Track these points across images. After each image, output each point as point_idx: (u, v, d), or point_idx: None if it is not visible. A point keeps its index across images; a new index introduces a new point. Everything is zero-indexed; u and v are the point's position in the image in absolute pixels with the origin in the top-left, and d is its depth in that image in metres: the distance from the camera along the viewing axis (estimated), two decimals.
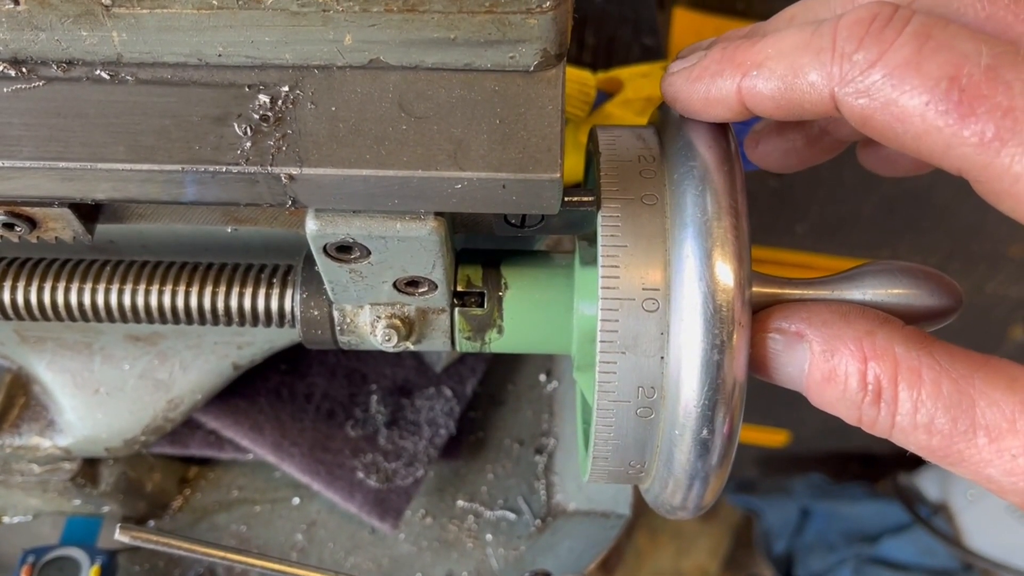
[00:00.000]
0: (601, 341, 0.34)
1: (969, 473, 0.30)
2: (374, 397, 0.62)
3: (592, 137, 0.38)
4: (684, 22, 0.92)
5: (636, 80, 0.61)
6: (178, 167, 0.31)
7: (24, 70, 0.32)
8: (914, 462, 1.61)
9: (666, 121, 0.37)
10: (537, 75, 0.32)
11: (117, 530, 0.42)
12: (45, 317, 0.41)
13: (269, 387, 0.60)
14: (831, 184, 1.05)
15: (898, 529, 1.52)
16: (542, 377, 0.67)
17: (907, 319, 0.34)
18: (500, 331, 0.40)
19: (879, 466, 1.65)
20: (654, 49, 0.88)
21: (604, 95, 0.62)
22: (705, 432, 0.34)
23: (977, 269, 1.14)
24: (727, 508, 1.88)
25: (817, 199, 1.09)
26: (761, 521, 1.74)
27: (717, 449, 0.35)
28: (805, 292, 0.36)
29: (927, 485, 1.52)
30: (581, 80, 0.60)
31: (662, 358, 0.33)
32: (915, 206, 1.07)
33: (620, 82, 0.61)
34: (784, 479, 1.75)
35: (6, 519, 0.61)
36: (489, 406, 0.66)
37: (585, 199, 0.35)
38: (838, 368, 0.32)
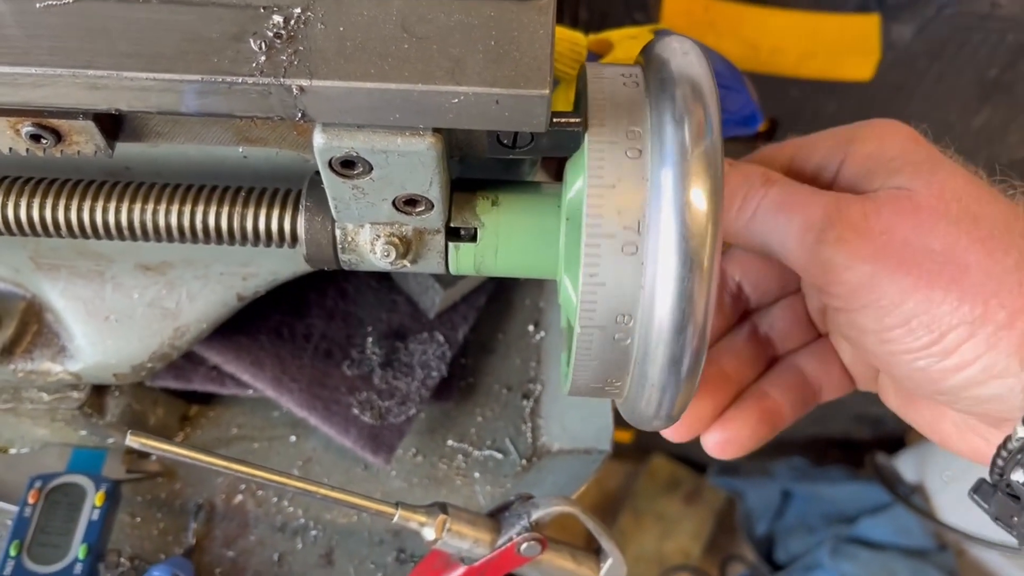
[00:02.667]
0: (585, 263, 0.36)
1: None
2: (370, 339, 0.64)
3: (581, 73, 0.41)
4: (674, 1, 0.95)
5: (625, 42, 0.64)
6: (198, 77, 0.34)
7: None
8: (893, 446, 1.65)
9: (649, 59, 0.40)
10: (530, 2, 0.35)
11: (128, 436, 0.44)
12: (60, 234, 0.44)
13: (270, 326, 0.63)
14: None
15: (875, 510, 1.55)
16: (530, 327, 0.70)
17: None
18: (492, 254, 0.43)
19: (859, 451, 1.69)
20: (644, 24, 0.91)
21: (594, 56, 0.64)
22: (676, 346, 0.37)
23: None
24: (710, 492, 1.91)
25: None
26: (743, 503, 1.78)
27: (687, 362, 0.38)
28: None
29: (905, 467, 1.56)
30: (573, 40, 0.63)
31: (640, 281, 0.36)
32: None
33: (610, 44, 0.64)
34: (767, 462, 1.79)
35: (12, 450, 0.64)
36: (480, 353, 0.69)
37: (573, 120, 0.37)
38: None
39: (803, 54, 0.93)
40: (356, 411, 0.62)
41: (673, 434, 0.48)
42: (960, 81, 0.92)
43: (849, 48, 0.92)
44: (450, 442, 0.66)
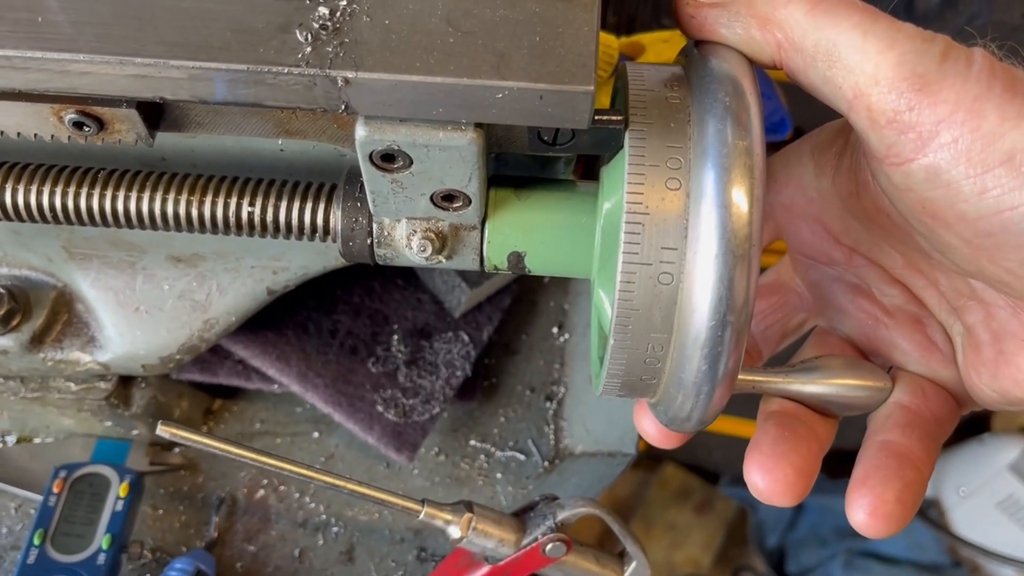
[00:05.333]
0: (623, 261, 0.36)
1: None
2: (395, 337, 0.64)
3: (620, 71, 0.41)
4: None
5: (657, 44, 0.64)
6: (243, 67, 0.34)
7: None
8: None
9: (691, 59, 0.40)
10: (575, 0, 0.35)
11: (159, 425, 0.44)
12: (95, 223, 0.44)
13: (297, 321, 0.63)
14: None
15: None
16: (555, 330, 0.70)
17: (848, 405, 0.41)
18: (526, 252, 0.43)
19: None
20: (672, 29, 0.91)
21: (626, 58, 0.65)
22: (715, 348, 0.37)
23: None
24: (722, 503, 1.90)
25: None
26: (755, 514, 1.77)
27: (724, 363, 0.37)
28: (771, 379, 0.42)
29: None
30: (605, 43, 0.63)
31: (679, 277, 0.36)
32: None
33: (642, 46, 0.64)
34: None
35: (37, 439, 0.64)
36: (504, 354, 0.69)
37: (615, 117, 0.37)
38: None
39: None
40: (380, 408, 0.62)
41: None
42: None
43: None
44: (473, 442, 0.66)
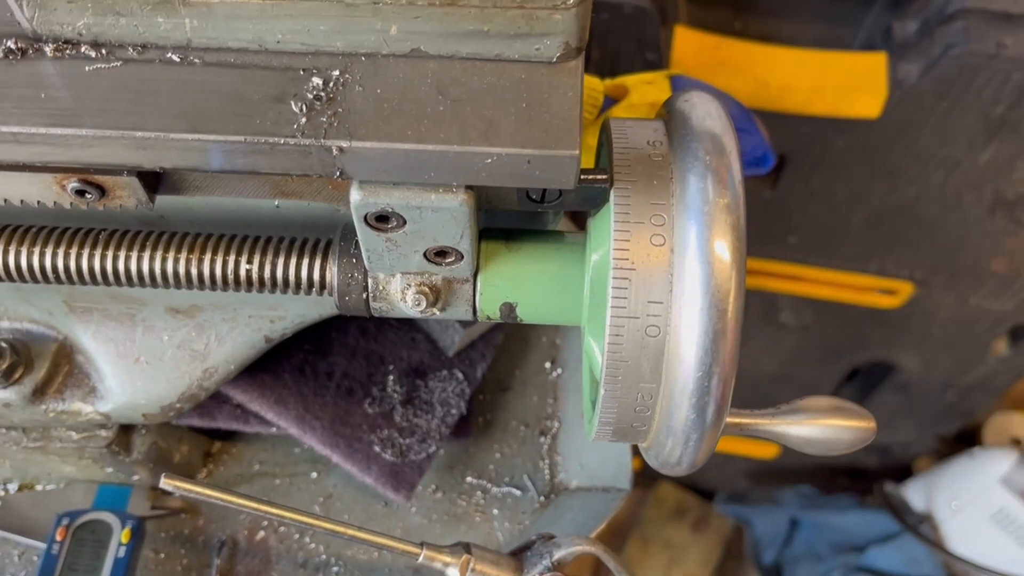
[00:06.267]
0: (612, 315, 0.38)
1: None
2: (391, 377, 0.65)
3: (605, 127, 0.43)
4: (684, 39, 0.96)
5: (641, 87, 0.65)
6: (241, 138, 0.35)
7: (103, 51, 0.37)
8: (901, 474, 1.65)
9: (672, 115, 0.41)
10: (559, 65, 0.36)
11: (162, 479, 0.45)
12: (96, 282, 0.45)
13: (293, 364, 0.64)
14: (823, 197, 1.10)
15: (884, 539, 1.56)
16: (547, 364, 0.71)
17: (832, 446, 0.43)
18: (518, 303, 0.44)
19: (867, 479, 1.69)
20: (656, 64, 0.93)
21: (611, 100, 0.66)
22: (702, 395, 0.38)
23: (961, 282, 1.19)
24: (718, 520, 1.91)
25: (809, 212, 1.14)
26: (751, 531, 1.78)
27: (711, 411, 0.39)
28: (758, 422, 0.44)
29: (913, 496, 1.56)
30: (590, 85, 0.64)
31: (666, 329, 0.38)
32: (902, 220, 1.11)
33: (626, 88, 0.66)
34: (774, 490, 1.79)
35: (39, 487, 0.65)
36: (497, 391, 0.70)
37: (599, 176, 0.39)
38: None
39: (812, 92, 0.94)
40: (377, 448, 0.63)
41: None
42: (966, 118, 0.93)
43: (857, 86, 0.94)
44: (469, 478, 0.67)
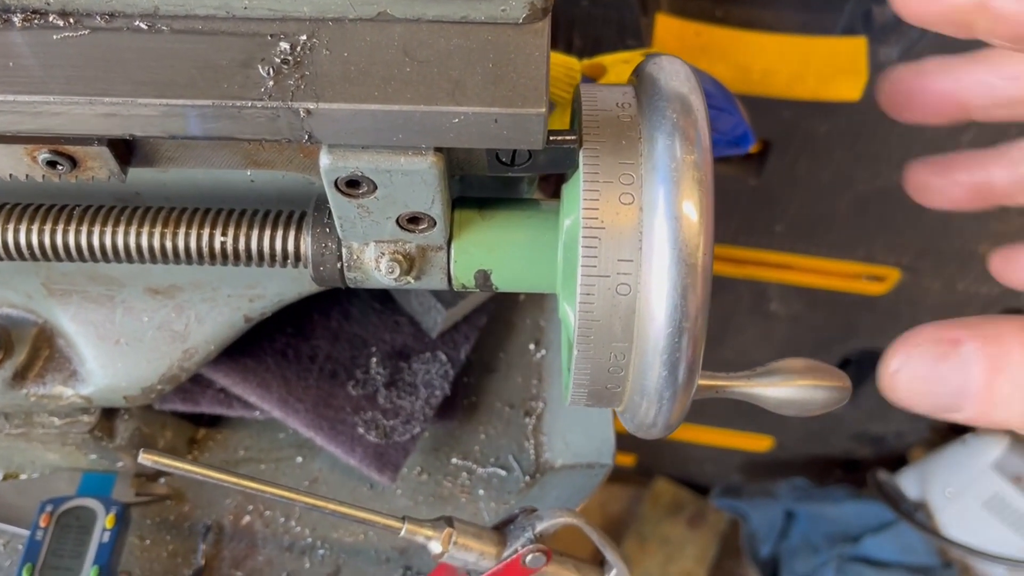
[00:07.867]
0: (583, 275, 0.38)
1: None
2: (374, 360, 0.66)
3: (576, 93, 0.43)
4: (666, 26, 0.97)
5: (618, 66, 0.66)
6: (209, 102, 0.36)
7: (71, 20, 0.37)
8: (895, 463, 1.65)
9: (641, 78, 0.42)
10: (525, 27, 0.37)
11: (140, 453, 0.45)
12: (72, 258, 0.45)
13: (276, 348, 0.64)
14: (808, 183, 1.10)
15: (879, 528, 1.56)
16: (531, 346, 0.71)
17: (807, 406, 0.43)
18: (492, 270, 0.44)
19: (861, 469, 1.69)
20: (635, 49, 0.93)
21: (588, 80, 0.66)
22: (673, 355, 0.38)
23: (949, 267, 1.19)
24: (714, 515, 1.91)
25: (795, 199, 1.14)
26: (747, 524, 1.78)
27: (683, 368, 0.39)
28: (733, 383, 0.43)
29: (907, 484, 1.56)
30: (567, 65, 0.64)
31: (636, 287, 0.38)
32: (887, 205, 1.11)
33: (604, 68, 0.66)
34: (769, 483, 1.79)
35: (23, 475, 0.65)
36: (482, 372, 0.70)
37: (568, 137, 0.39)
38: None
39: (793, 76, 0.95)
40: (361, 430, 0.63)
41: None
42: None
43: (838, 70, 0.94)
44: (454, 460, 0.67)
